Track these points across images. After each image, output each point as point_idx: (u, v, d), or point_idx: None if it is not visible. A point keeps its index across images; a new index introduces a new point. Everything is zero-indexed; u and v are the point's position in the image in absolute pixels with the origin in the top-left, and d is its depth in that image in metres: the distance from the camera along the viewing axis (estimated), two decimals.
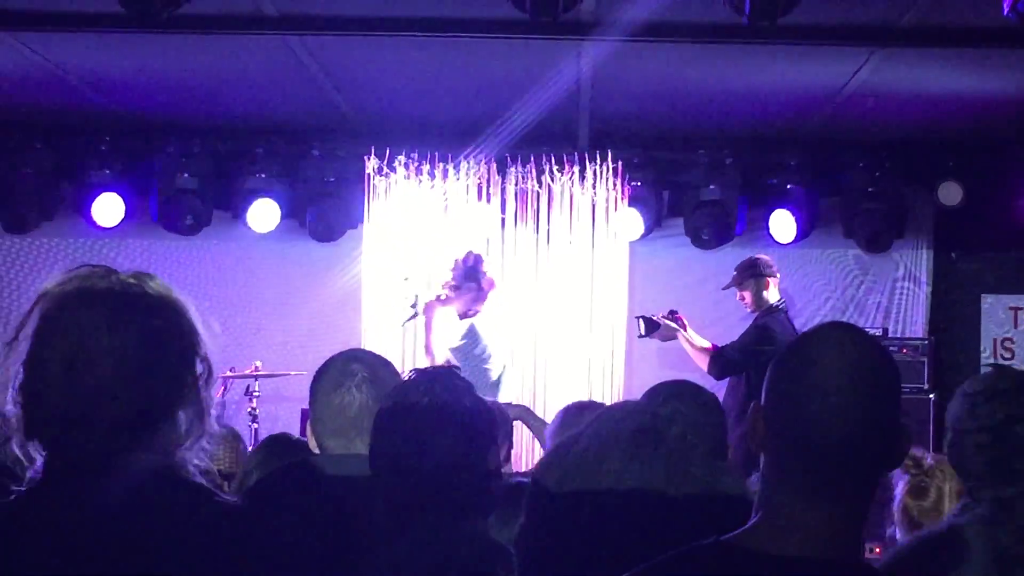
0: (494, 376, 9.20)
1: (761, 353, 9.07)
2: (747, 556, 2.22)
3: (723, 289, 9.84)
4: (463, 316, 9.04)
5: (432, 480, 3.08)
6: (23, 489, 2.22)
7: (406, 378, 3.38)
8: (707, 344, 9.54)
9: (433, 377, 3.28)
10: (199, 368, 2.28)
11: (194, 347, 2.29)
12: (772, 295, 9.62)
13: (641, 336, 9.66)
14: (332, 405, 3.70)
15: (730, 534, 2.27)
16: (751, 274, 9.62)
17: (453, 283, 9.06)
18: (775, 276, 9.69)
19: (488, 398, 8.71)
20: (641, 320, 9.59)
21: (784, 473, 2.25)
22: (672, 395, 3.42)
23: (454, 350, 8.99)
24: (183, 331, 2.28)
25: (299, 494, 3.53)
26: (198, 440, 2.28)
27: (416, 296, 9.20)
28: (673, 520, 2.77)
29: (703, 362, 9.41)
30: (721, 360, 9.36)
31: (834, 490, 2.21)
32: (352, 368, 3.73)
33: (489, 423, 3.27)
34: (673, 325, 9.52)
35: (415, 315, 9.10)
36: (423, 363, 9.01)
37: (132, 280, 2.28)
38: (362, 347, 3.93)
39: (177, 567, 2.15)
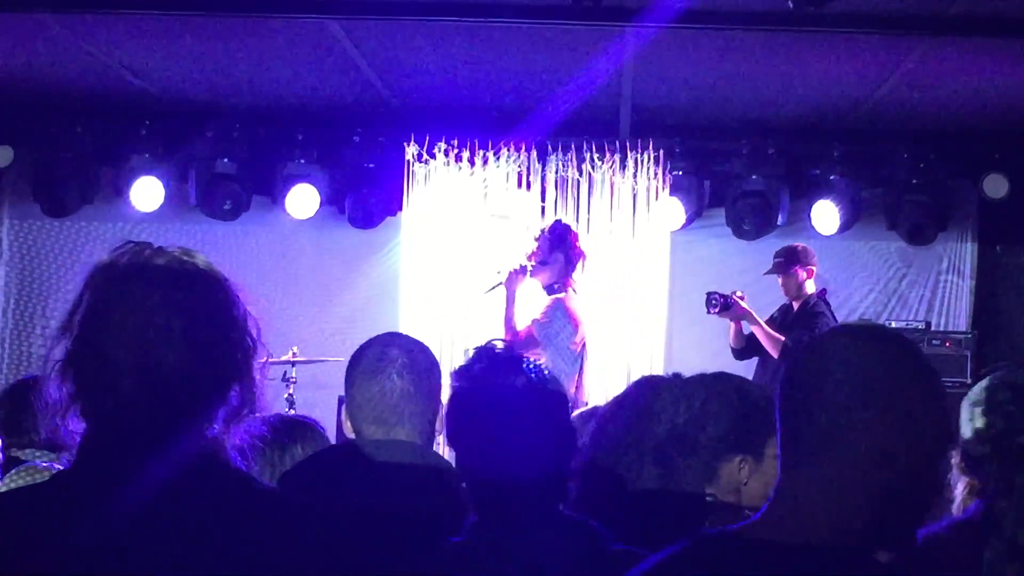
0: (575, 356, 8.91)
1: None
2: (751, 545, 2.23)
3: (765, 274, 9.76)
4: (549, 290, 8.82)
5: (525, 466, 3.01)
6: (58, 469, 2.18)
7: (471, 358, 3.29)
8: (774, 333, 9.43)
9: (517, 361, 3.20)
10: (249, 345, 2.27)
11: (245, 324, 2.27)
12: (811, 286, 9.58)
13: (712, 313, 9.51)
14: (371, 391, 3.65)
15: (736, 524, 2.29)
16: (799, 261, 9.55)
17: (539, 254, 8.83)
18: (816, 267, 9.65)
19: (571, 378, 8.60)
20: (715, 296, 9.43)
21: (794, 462, 2.28)
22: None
23: (536, 324, 8.64)
24: (235, 308, 2.27)
25: (340, 480, 3.49)
26: (248, 417, 2.26)
27: (503, 268, 8.97)
28: None
29: (774, 350, 9.31)
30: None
31: (844, 482, 2.23)
32: (391, 353, 3.68)
33: (568, 426, 3.21)
34: (747, 307, 9.43)
35: (499, 284, 8.86)
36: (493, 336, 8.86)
37: (185, 257, 2.26)
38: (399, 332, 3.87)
39: (215, 554, 2.11)
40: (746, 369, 9.44)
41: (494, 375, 3.14)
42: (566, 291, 8.71)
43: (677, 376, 3.53)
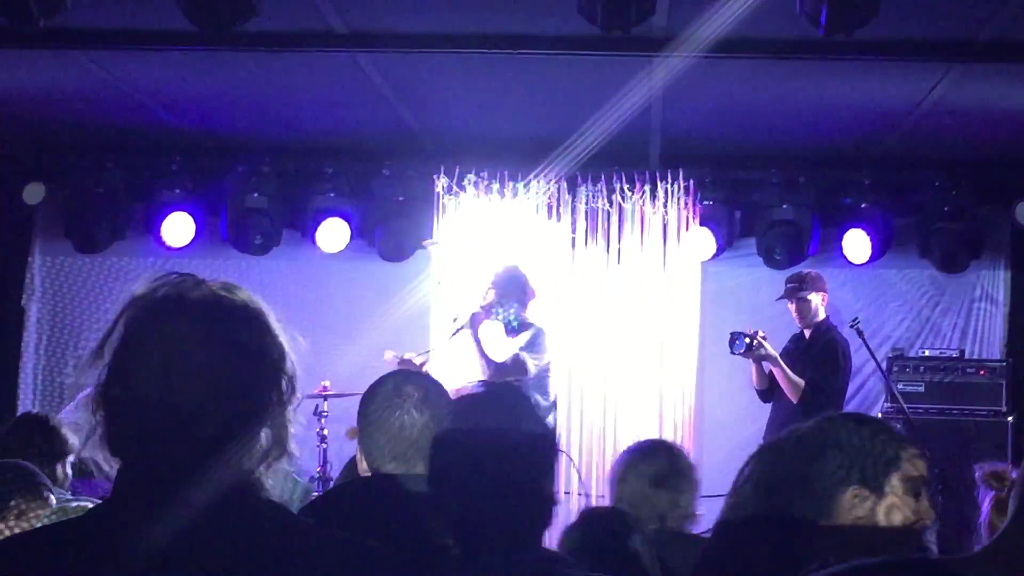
0: (551, 388, 9.10)
1: (845, 371, 9.37)
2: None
3: (777, 300, 9.73)
4: (509, 328, 8.93)
5: (489, 505, 3.01)
6: (94, 504, 2.16)
7: (468, 395, 3.30)
8: (794, 377, 9.34)
9: (495, 398, 3.20)
10: (284, 386, 2.22)
11: (281, 364, 2.23)
12: (822, 312, 9.55)
13: (736, 353, 9.44)
14: (391, 429, 3.63)
15: (945, 557, 2.19)
16: (814, 287, 9.51)
17: (494, 294, 8.96)
18: (827, 293, 9.66)
19: (548, 410, 8.82)
20: (741, 337, 9.36)
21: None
22: None
23: (521, 352, 8.81)
24: (271, 347, 2.22)
25: (369, 513, 3.47)
26: (277, 460, 2.21)
27: (459, 313, 9.11)
28: None
29: (793, 394, 9.21)
30: (820, 399, 9.08)
31: None
32: (406, 390, 3.66)
33: (547, 448, 3.18)
34: (772, 351, 9.35)
35: (461, 328, 8.99)
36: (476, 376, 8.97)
37: (223, 291, 2.22)
38: (413, 369, 3.85)
39: None
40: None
41: (475, 416, 3.14)
42: (537, 324, 8.95)
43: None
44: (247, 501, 2.17)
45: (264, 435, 2.18)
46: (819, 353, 9.38)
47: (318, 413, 9.87)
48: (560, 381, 9.82)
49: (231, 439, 2.14)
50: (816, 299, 9.50)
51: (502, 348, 8.88)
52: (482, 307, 8.96)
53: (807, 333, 9.59)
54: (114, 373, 2.15)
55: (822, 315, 9.54)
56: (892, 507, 3.16)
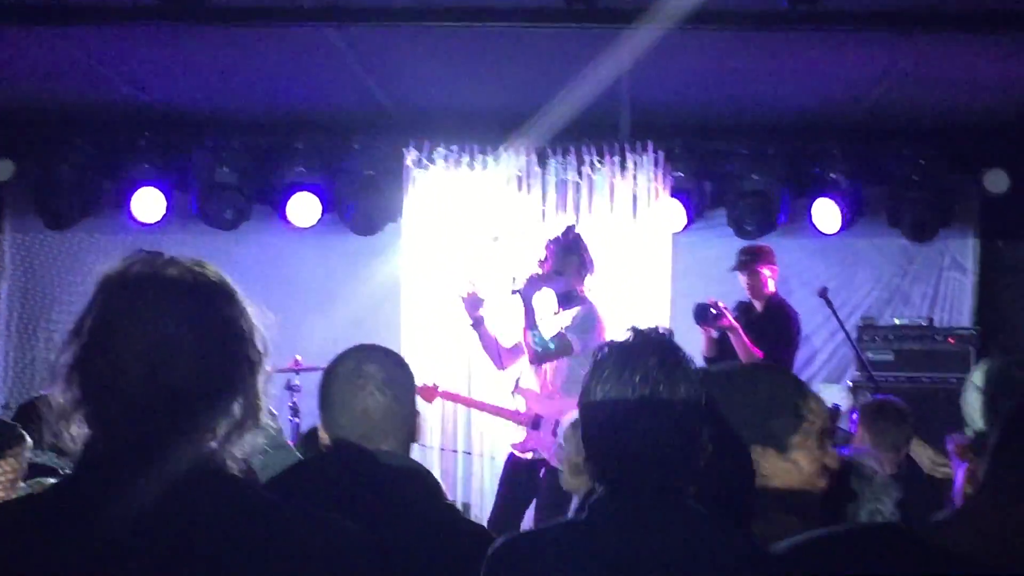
0: None
1: (797, 344, 9.71)
2: (926, 548, 2.20)
3: (730, 270, 9.84)
4: (564, 298, 8.73)
5: (645, 459, 2.93)
6: (61, 478, 2.18)
7: (624, 342, 3.13)
8: (753, 348, 9.41)
9: (660, 361, 3.04)
10: (254, 358, 2.27)
11: (251, 337, 2.27)
12: (772, 285, 9.71)
13: (701, 324, 9.49)
14: (354, 410, 3.60)
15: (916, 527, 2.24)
16: (766, 260, 9.65)
17: (551, 263, 8.66)
18: (777, 268, 9.91)
19: None
20: (706, 308, 9.41)
21: (1009, 496, 2.23)
22: None
23: (569, 332, 8.48)
24: (242, 321, 2.27)
25: (337, 485, 3.48)
26: (251, 431, 2.25)
27: (515, 277, 8.76)
28: None
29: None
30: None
31: None
32: (368, 369, 3.62)
33: (701, 401, 3.04)
34: (733, 321, 9.42)
35: (514, 294, 8.58)
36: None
37: (196, 267, 2.26)
38: (374, 343, 3.76)
39: (219, 561, 2.12)
40: None
41: (638, 366, 3.01)
42: (590, 300, 8.68)
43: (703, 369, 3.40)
44: (211, 475, 2.19)
45: (236, 407, 2.22)
46: (776, 326, 9.52)
47: (290, 387, 9.88)
48: None
49: (207, 410, 2.19)
50: (767, 272, 9.66)
51: (548, 323, 8.61)
52: (534, 276, 8.61)
53: (758, 305, 9.73)
54: (93, 349, 2.18)
55: (772, 288, 9.70)
56: (799, 460, 3.17)
